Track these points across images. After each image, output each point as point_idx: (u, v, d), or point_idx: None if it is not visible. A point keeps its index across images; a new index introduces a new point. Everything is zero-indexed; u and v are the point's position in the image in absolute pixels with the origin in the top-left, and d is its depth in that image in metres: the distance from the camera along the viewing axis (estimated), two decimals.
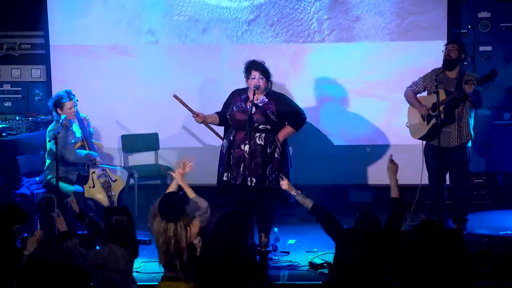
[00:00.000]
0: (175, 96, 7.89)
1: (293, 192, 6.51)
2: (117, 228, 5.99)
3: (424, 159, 8.18)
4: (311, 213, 6.26)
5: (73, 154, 8.06)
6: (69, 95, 8.14)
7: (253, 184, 7.51)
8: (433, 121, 7.97)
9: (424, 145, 8.21)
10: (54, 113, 8.16)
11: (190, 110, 7.86)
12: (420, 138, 8.18)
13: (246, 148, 7.58)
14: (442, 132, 7.96)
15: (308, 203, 6.31)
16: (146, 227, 7.17)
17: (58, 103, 8.11)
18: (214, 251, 5.88)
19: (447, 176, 8.26)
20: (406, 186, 8.45)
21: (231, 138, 7.69)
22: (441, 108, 7.89)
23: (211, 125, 7.94)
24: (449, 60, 8.01)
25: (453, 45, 8.09)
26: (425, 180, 8.24)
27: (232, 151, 7.67)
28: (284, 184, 6.64)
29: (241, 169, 7.59)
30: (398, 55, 9.21)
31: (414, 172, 8.29)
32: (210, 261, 5.86)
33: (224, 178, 7.70)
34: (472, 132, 8.12)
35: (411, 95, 8.21)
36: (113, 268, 5.93)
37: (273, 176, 7.62)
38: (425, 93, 8.24)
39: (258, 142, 7.62)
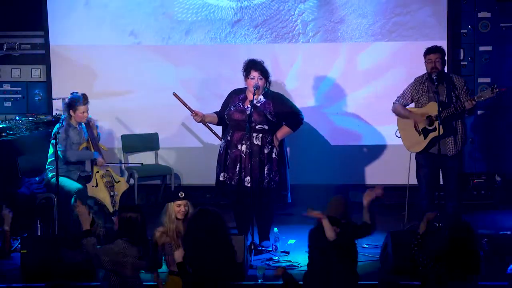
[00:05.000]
0: (175, 94, 7.90)
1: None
2: (130, 225, 5.98)
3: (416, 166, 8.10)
4: None
5: (75, 155, 8.09)
6: (85, 99, 8.17)
7: (249, 184, 7.52)
8: (432, 135, 7.78)
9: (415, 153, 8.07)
10: (65, 113, 8.21)
11: (189, 108, 7.86)
12: (418, 152, 8.01)
13: (243, 148, 7.59)
14: (438, 141, 7.78)
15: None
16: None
17: (72, 106, 8.13)
18: (193, 253, 5.88)
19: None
20: (406, 186, 8.51)
21: (229, 138, 7.70)
22: (437, 123, 7.70)
23: (209, 124, 7.95)
24: (438, 72, 7.74)
25: (436, 55, 7.79)
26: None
27: (229, 151, 7.67)
28: None
29: (237, 169, 7.59)
30: (396, 56, 9.23)
31: (412, 172, 8.28)
32: (192, 263, 5.86)
33: (221, 178, 7.71)
34: (467, 138, 8.00)
35: (401, 108, 7.99)
36: (123, 262, 5.92)
37: (271, 176, 7.63)
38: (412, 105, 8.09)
39: (255, 142, 7.62)
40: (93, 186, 8.09)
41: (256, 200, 7.56)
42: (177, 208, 6.41)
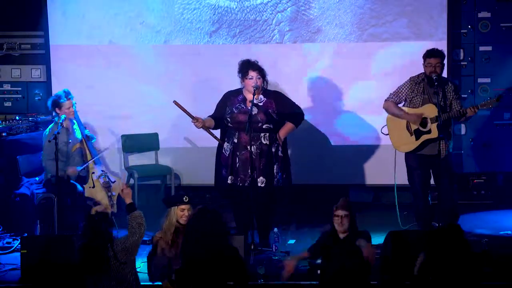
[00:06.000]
0: (175, 102, 7.83)
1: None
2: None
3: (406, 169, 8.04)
4: None
5: (52, 169, 7.99)
6: (67, 94, 8.17)
7: (263, 184, 7.52)
8: (424, 137, 7.77)
9: (404, 156, 8.02)
10: (54, 114, 8.18)
11: (190, 115, 7.81)
12: (407, 153, 7.98)
13: (253, 148, 7.56)
14: (430, 143, 7.81)
15: None
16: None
17: (57, 103, 8.14)
18: (192, 251, 5.79)
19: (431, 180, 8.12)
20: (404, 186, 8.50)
21: (235, 140, 7.68)
22: (433, 126, 7.74)
23: (210, 129, 7.93)
24: (438, 75, 7.70)
25: (437, 60, 7.75)
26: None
27: (238, 153, 7.65)
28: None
29: (249, 170, 7.57)
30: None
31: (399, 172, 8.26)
32: (190, 261, 5.79)
33: (229, 181, 7.67)
34: (451, 138, 8.01)
35: (395, 106, 7.94)
36: None
37: (279, 175, 7.64)
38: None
39: (264, 142, 7.63)
40: (90, 187, 8.09)
41: (266, 199, 7.56)
42: (181, 212, 6.32)
